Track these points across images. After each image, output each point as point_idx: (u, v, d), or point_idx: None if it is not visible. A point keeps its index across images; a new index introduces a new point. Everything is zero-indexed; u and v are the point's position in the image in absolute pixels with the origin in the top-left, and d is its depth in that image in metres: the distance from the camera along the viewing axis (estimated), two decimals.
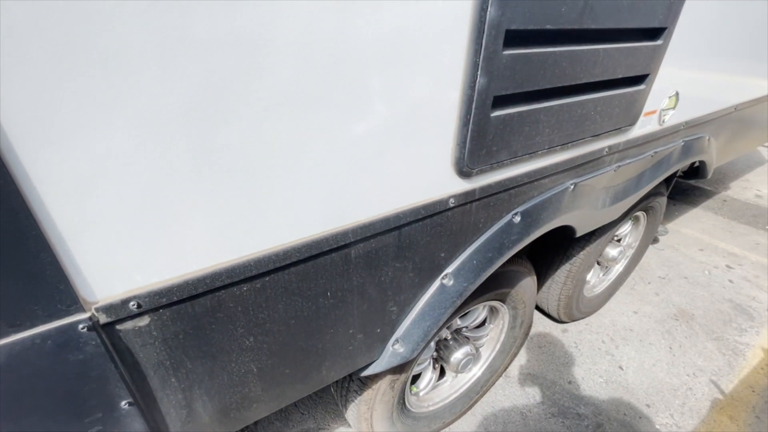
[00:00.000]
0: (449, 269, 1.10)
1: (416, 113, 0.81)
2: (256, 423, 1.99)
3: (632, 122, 1.38)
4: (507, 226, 1.16)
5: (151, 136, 0.54)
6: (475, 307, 1.67)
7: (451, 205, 0.98)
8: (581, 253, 2.02)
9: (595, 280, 2.55)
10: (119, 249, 0.59)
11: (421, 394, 1.78)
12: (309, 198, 0.75)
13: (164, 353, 0.71)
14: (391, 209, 0.88)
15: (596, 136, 1.26)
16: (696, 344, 2.46)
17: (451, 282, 1.10)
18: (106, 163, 0.53)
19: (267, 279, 0.76)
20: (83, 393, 0.64)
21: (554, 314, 2.41)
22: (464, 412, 1.98)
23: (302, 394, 1.01)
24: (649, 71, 1.26)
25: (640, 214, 2.42)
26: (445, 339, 1.73)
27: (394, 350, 1.10)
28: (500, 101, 0.91)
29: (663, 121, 1.56)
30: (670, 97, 1.50)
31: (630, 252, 2.62)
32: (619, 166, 1.49)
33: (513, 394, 2.14)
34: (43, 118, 0.47)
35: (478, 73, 0.83)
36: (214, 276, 0.68)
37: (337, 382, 1.49)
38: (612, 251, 2.37)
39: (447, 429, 1.95)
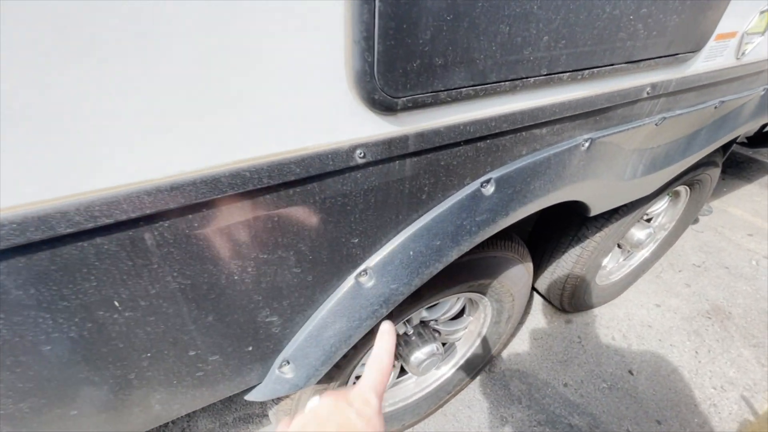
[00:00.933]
0: (369, 262, 0.71)
1: None
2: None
3: (696, 47, 0.88)
4: (470, 199, 0.74)
5: None
6: (443, 299, 1.29)
7: (360, 160, 0.57)
8: (597, 235, 1.57)
9: (613, 266, 2.11)
10: None
11: None
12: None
13: None
14: (224, 162, 0.48)
15: (634, 63, 0.78)
16: (729, 350, 2.03)
17: (372, 282, 0.71)
18: None
19: None
20: None
21: (556, 303, 2.01)
22: (430, 414, 1.68)
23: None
24: None
25: (681, 188, 1.90)
26: (406, 334, 1.38)
27: (281, 375, 0.74)
28: None
29: (743, 53, 1.04)
30: (762, 12, 0.98)
31: (662, 234, 2.14)
32: (664, 119, 1.01)
33: (495, 393, 1.81)
34: None
35: None
36: None
37: None
38: (638, 233, 1.90)
39: (409, 430, 1.66)
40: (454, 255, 0.77)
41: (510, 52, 0.59)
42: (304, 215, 0.59)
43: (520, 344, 2.03)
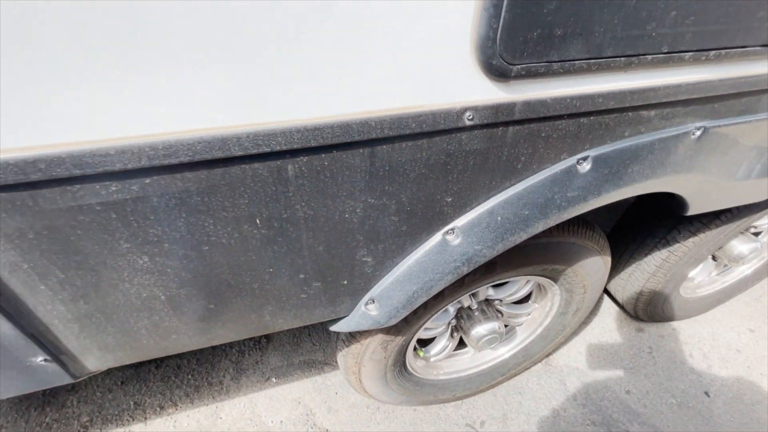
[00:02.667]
0: (458, 222, 0.77)
1: None
2: (268, 340, 2.00)
3: None
4: (565, 174, 0.76)
5: None
6: (513, 279, 1.31)
7: (468, 122, 0.62)
8: (690, 240, 1.46)
9: (703, 279, 1.93)
10: None
11: (431, 360, 1.55)
12: (204, 72, 0.47)
13: (14, 254, 0.54)
14: (355, 112, 0.56)
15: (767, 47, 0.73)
16: None
17: (458, 240, 0.77)
18: None
19: (146, 181, 0.53)
20: None
21: (630, 309, 1.90)
22: (482, 391, 1.72)
23: (241, 335, 0.83)
24: None
25: None
26: (469, 308, 1.43)
27: (366, 311, 0.84)
28: None
29: None
30: None
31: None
32: None
33: (550, 385, 1.80)
34: None
35: None
36: (52, 161, 0.47)
37: None
38: (740, 247, 1.71)
39: (458, 402, 1.73)
40: (540, 227, 0.80)
41: (632, 26, 0.60)
42: (410, 168, 0.66)
43: (584, 344, 1.97)
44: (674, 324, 2.05)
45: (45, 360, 0.68)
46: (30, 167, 0.47)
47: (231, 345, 1.98)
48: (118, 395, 1.78)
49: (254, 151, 0.54)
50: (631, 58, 0.64)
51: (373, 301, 0.83)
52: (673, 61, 0.67)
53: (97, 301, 0.65)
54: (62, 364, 0.71)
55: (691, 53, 0.67)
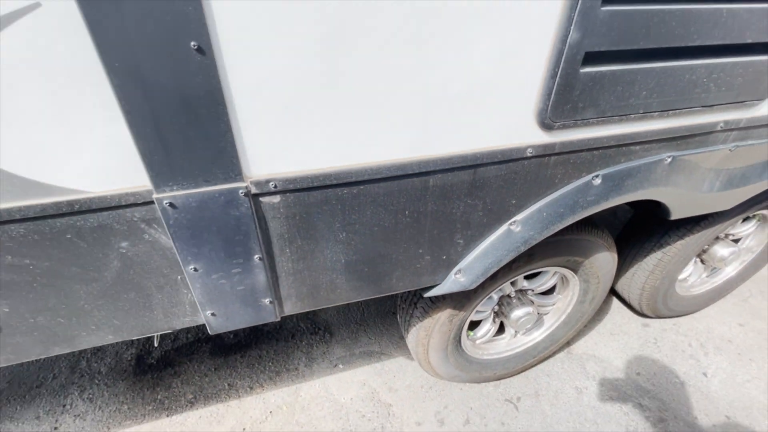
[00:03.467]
0: (518, 216, 1.20)
1: (504, 61, 0.91)
2: (331, 335, 2.38)
3: (761, 97, 1.25)
4: (585, 186, 1.20)
5: (295, 58, 0.77)
6: (543, 269, 1.72)
7: (529, 154, 1.07)
8: (678, 242, 1.88)
9: (695, 279, 2.33)
10: (269, 142, 0.85)
11: (477, 341, 1.93)
12: (401, 125, 0.92)
13: (285, 227, 0.98)
14: (469, 148, 1.01)
15: (708, 107, 1.19)
16: None
17: (519, 228, 1.21)
18: (267, 77, 0.77)
19: (362, 187, 0.97)
20: (235, 241, 0.94)
21: (635, 305, 2.29)
22: (517, 372, 2.08)
23: (375, 293, 1.24)
24: None
25: None
26: (509, 296, 1.83)
27: (456, 278, 1.26)
28: (592, 57, 0.95)
29: None
30: None
31: (748, 257, 2.30)
32: (738, 146, 1.36)
33: (572, 369, 2.16)
34: (239, 41, 0.72)
35: (572, 27, 0.89)
36: (326, 176, 0.92)
37: (402, 308, 1.72)
38: (722, 251, 2.13)
39: (497, 381, 2.08)
40: (569, 220, 1.23)
41: (621, 100, 1.06)
42: (494, 181, 1.10)
43: (598, 337, 2.33)
44: (674, 320, 2.42)
45: (270, 302, 1.10)
46: (314, 180, 0.91)
47: (301, 339, 2.35)
48: (214, 378, 2.14)
49: (416, 171, 0.98)
50: (622, 116, 1.10)
51: (461, 271, 1.25)
52: (647, 117, 1.13)
53: (309, 262, 1.07)
54: (275, 306, 1.12)
55: (657, 112, 1.13)
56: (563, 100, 1.00)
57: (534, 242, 1.22)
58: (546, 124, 1.03)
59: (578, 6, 0.86)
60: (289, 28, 0.73)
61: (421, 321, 1.63)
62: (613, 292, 2.44)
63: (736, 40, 1.06)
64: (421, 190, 1.04)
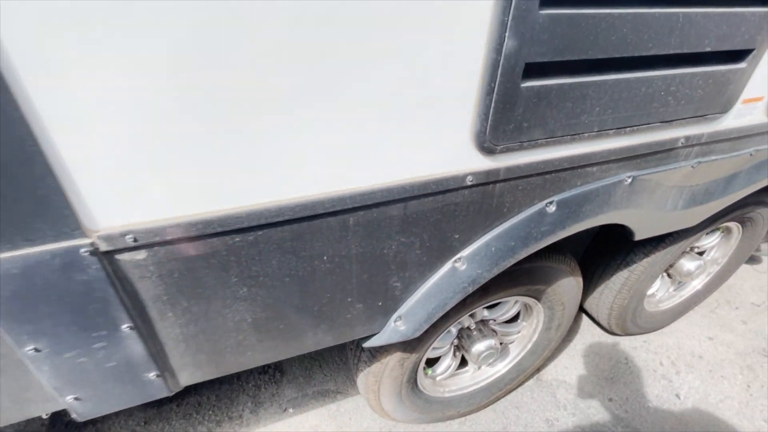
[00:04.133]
0: (464, 252, 1.03)
1: (430, 76, 0.74)
2: (282, 374, 2.14)
3: (723, 110, 1.13)
4: (538, 214, 1.05)
5: (143, 79, 0.57)
6: (504, 299, 1.56)
7: (469, 183, 0.90)
8: (644, 260, 1.77)
9: (663, 294, 2.24)
10: (118, 185, 0.64)
11: (438, 378, 1.75)
12: (306, 158, 0.74)
13: (160, 288, 0.77)
14: (396, 180, 0.83)
15: (667, 122, 1.06)
16: None
17: (465, 266, 1.03)
18: (103, 103, 0.57)
19: (260, 233, 0.78)
20: (89, 310, 0.72)
21: (605, 324, 2.17)
22: (483, 407, 1.91)
23: (298, 351, 1.04)
24: (754, 46, 1.01)
25: (732, 225, 2.03)
26: (469, 328, 1.66)
27: (395, 327, 1.07)
28: (534, 69, 0.80)
29: None
30: None
31: (714, 269, 2.24)
32: (700, 162, 1.25)
33: (542, 399, 2.01)
34: (46, 57, 0.51)
35: (506, 34, 0.73)
36: (206, 223, 0.71)
37: (351, 349, 1.52)
38: (688, 264, 2.05)
39: (462, 419, 1.90)
40: (523, 254, 1.07)
41: (571, 118, 0.91)
42: (431, 215, 0.93)
43: (568, 359, 2.20)
44: (644, 336, 2.32)
45: (156, 375, 0.87)
46: (191, 228, 0.71)
47: (247, 380, 2.11)
48: None
49: (330, 210, 0.80)
50: (574, 136, 0.95)
51: (401, 318, 1.07)
52: (602, 135, 0.99)
53: (203, 325, 0.86)
54: (164, 380, 0.90)
55: (613, 130, 0.99)
56: (504, 120, 0.83)
57: (483, 281, 1.06)
58: (486, 148, 0.86)
59: (512, 9, 0.70)
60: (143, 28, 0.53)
61: (368, 366, 1.43)
62: (582, 309, 2.33)
63: (695, 48, 0.93)
64: (340, 231, 0.85)
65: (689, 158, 1.24)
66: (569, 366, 2.17)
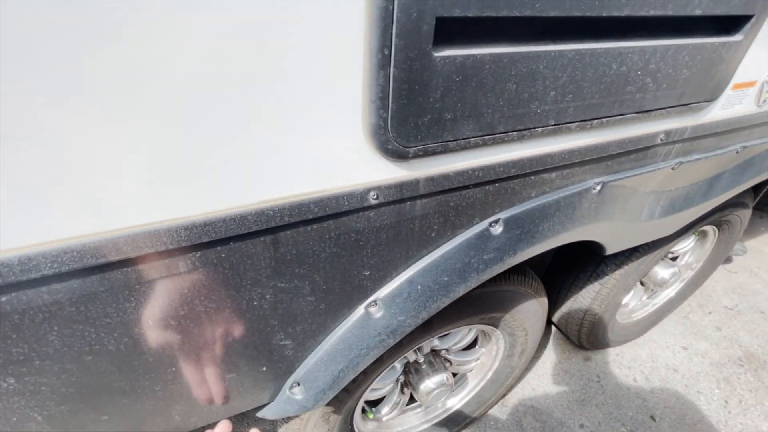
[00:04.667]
0: (379, 294, 0.75)
1: (276, 36, 0.45)
2: None
3: (711, 97, 0.90)
4: (478, 239, 0.78)
5: None
6: (455, 330, 1.30)
7: (373, 201, 0.62)
8: (617, 272, 1.55)
9: (636, 304, 2.05)
10: None
11: (383, 419, 1.48)
12: (87, 180, 0.43)
13: None
14: (249, 204, 0.54)
15: (645, 113, 0.81)
16: (763, 402, 1.91)
17: (381, 313, 0.75)
18: None
19: (3, 299, 0.46)
20: None
21: (574, 340, 1.96)
22: None
23: None
24: (754, 11, 0.77)
25: (709, 228, 1.85)
26: (416, 362, 1.39)
27: (291, 396, 0.79)
28: (453, 30, 0.52)
29: (765, 101, 1.04)
30: None
31: (688, 274, 2.07)
32: (681, 163, 1.02)
33: (507, 428, 1.77)
34: None
35: None
36: None
37: None
38: (662, 272, 1.85)
39: None
40: (461, 291, 0.80)
41: (517, 106, 0.64)
42: (320, 249, 0.64)
43: (536, 379, 1.98)
44: (617, 349, 2.13)
45: None
46: None
47: None
48: None
49: (135, 254, 0.49)
50: (522, 131, 0.68)
51: (298, 384, 0.78)
52: (562, 130, 0.73)
53: None
54: None
55: (576, 123, 0.73)
56: (414, 109, 0.55)
57: (408, 329, 0.78)
58: (393, 151, 0.58)
59: None
60: None
61: (285, 422, 1.14)
62: (550, 321, 2.11)
63: (681, 10, 0.68)
64: (165, 282, 0.55)
65: (669, 158, 1.00)
66: (537, 387, 1.95)
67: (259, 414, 0.84)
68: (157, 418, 0.69)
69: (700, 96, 0.87)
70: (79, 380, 0.58)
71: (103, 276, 0.50)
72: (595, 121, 0.75)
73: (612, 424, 1.81)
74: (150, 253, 0.50)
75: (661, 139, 0.91)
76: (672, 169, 1.01)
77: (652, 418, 1.84)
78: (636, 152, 0.91)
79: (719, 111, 0.97)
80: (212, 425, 0.64)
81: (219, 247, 0.55)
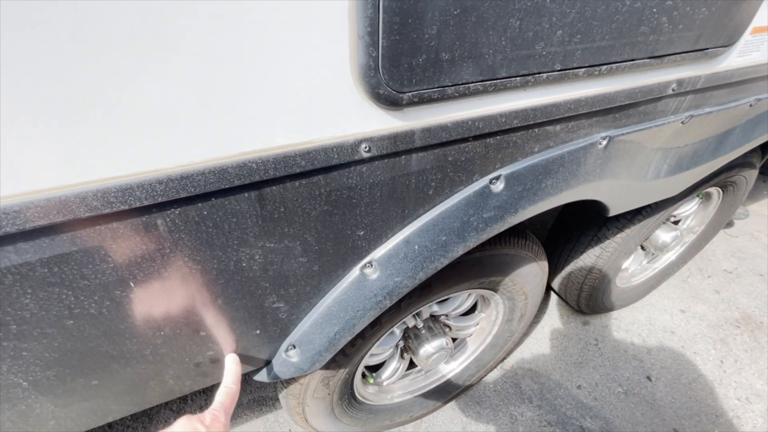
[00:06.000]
0: (374, 254, 0.72)
1: None
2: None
3: (728, 41, 0.83)
4: (478, 196, 0.74)
5: None
6: (454, 294, 1.29)
7: (365, 155, 0.58)
8: (618, 236, 1.52)
9: (635, 268, 2.04)
10: None
11: (384, 384, 1.50)
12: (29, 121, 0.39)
13: None
14: (231, 154, 0.50)
15: (658, 58, 0.75)
16: (758, 361, 1.93)
17: (376, 274, 0.73)
18: None
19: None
20: None
21: (573, 304, 1.97)
22: (439, 407, 1.69)
23: (143, 405, 0.73)
24: None
25: (713, 190, 1.81)
26: (416, 327, 1.39)
27: (286, 358, 0.77)
28: None
29: None
30: None
31: (690, 238, 2.04)
32: (692, 117, 0.96)
33: (506, 391, 1.81)
34: None
35: None
36: None
37: None
38: (664, 236, 1.83)
39: (417, 422, 1.68)
40: (459, 251, 0.77)
41: (520, 47, 0.58)
42: (310, 207, 0.60)
43: (534, 343, 2.00)
44: (615, 313, 2.15)
45: None
46: None
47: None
48: None
49: (107, 210, 0.46)
50: (526, 77, 0.63)
51: (294, 347, 0.76)
52: (569, 77, 0.67)
53: None
54: None
55: (583, 69, 0.68)
56: (408, 47, 0.50)
57: (405, 290, 0.76)
58: (385, 97, 0.53)
59: None
60: None
61: (285, 387, 1.15)
62: (549, 287, 2.11)
63: None
64: (144, 242, 0.52)
65: (680, 111, 0.95)
66: (535, 351, 1.97)
67: (256, 377, 0.83)
68: (150, 382, 0.68)
69: (716, 40, 0.81)
70: (62, 345, 0.55)
71: (74, 234, 0.47)
72: (605, 66, 0.70)
73: (609, 385, 1.84)
74: (124, 209, 0.47)
75: (673, 89, 0.85)
76: (682, 123, 0.96)
77: (648, 378, 1.87)
78: (645, 104, 0.85)
79: (735, 59, 0.91)
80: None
81: (200, 204, 0.52)
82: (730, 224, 2.74)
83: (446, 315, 1.44)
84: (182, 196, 0.49)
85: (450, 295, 1.24)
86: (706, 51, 0.81)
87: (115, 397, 0.67)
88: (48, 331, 0.53)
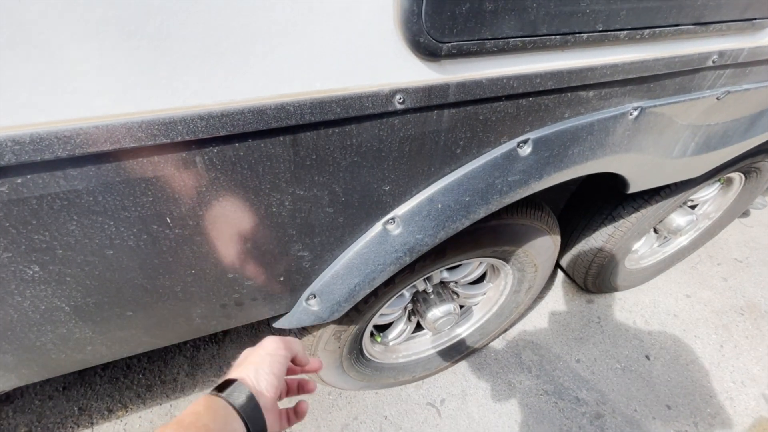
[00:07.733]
0: (398, 211, 0.73)
1: None
2: (225, 332, 1.93)
3: None
4: (505, 159, 0.74)
5: None
6: (466, 261, 1.31)
7: (399, 106, 0.58)
8: (633, 215, 1.52)
9: (646, 251, 2.04)
10: None
11: (390, 344, 1.55)
12: (80, 52, 0.39)
13: None
14: (270, 95, 0.50)
15: (703, 26, 0.73)
16: (757, 347, 1.96)
17: (399, 230, 0.74)
18: None
19: (19, 181, 0.45)
20: None
21: (580, 283, 1.99)
22: (442, 370, 1.76)
23: (172, 341, 0.77)
24: None
25: (736, 175, 1.78)
26: (425, 291, 1.42)
27: (307, 307, 0.80)
28: None
29: None
30: None
31: (705, 224, 2.03)
32: (728, 93, 0.94)
33: (506, 360, 1.86)
34: None
35: None
36: None
37: None
38: (679, 219, 1.82)
39: (419, 382, 1.76)
40: (481, 213, 0.78)
41: (565, 2, 0.57)
42: (340, 157, 0.61)
43: (538, 317, 2.04)
44: (620, 294, 2.17)
45: None
46: None
47: (185, 341, 1.89)
48: (60, 402, 1.66)
49: (150, 143, 0.47)
50: (566, 36, 0.61)
51: (315, 296, 0.79)
52: (609, 39, 0.65)
53: None
54: None
55: (625, 32, 0.66)
56: None
57: (425, 248, 0.78)
58: (425, 47, 0.53)
59: None
60: None
61: (299, 337, 1.20)
62: (557, 264, 2.13)
63: None
64: (182, 178, 0.53)
65: (716, 86, 0.92)
66: (538, 324, 2.02)
67: (276, 324, 0.87)
68: (178, 319, 0.72)
69: (763, 10, 0.78)
70: (102, 274, 0.58)
71: (118, 165, 0.48)
72: (647, 30, 0.68)
73: (607, 361, 1.89)
74: (166, 143, 0.48)
75: (713, 61, 0.82)
76: (717, 99, 0.94)
77: (647, 357, 1.91)
78: (683, 75, 0.83)
79: None
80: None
81: (237, 144, 0.53)
82: (746, 213, 2.70)
83: (455, 282, 1.47)
84: (221, 134, 0.50)
85: (462, 261, 1.27)
86: (753, 21, 0.78)
87: (146, 330, 0.71)
88: (90, 259, 0.56)
